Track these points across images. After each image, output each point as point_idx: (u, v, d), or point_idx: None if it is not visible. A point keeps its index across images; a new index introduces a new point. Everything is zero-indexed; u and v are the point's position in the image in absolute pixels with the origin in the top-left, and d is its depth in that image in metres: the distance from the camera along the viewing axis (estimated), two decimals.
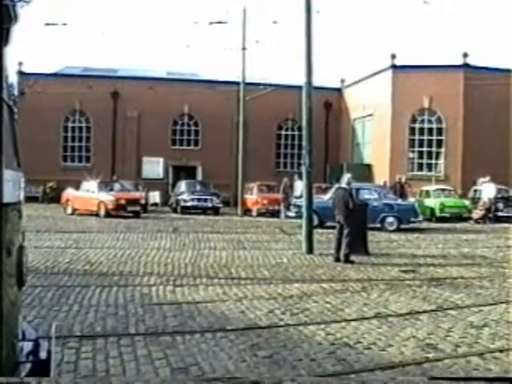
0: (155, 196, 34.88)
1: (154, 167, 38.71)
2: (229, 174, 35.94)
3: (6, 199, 3.09)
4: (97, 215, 25.67)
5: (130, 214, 26.03)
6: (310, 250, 14.82)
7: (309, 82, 15.36)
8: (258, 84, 33.61)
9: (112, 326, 7.22)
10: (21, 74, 35.98)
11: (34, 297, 8.61)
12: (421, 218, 22.20)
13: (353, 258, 13.44)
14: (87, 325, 7.21)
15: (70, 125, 39.10)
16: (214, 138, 38.06)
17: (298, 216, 22.49)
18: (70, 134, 39.13)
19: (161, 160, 38.82)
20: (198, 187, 31.98)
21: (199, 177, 38.44)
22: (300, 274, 11.67)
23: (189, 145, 39.92)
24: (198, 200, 29.60)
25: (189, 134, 39.99)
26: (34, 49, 68.20)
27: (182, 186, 31.81)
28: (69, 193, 28.15)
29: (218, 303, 8.69)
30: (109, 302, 8.60)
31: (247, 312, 8.18)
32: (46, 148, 36.32)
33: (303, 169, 15.51)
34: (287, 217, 24.69)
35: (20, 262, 3.44)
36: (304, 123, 15.68)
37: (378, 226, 21.11)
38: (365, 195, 21.45)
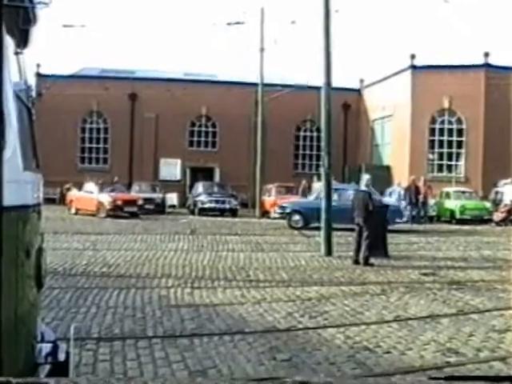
0: (173, 198, 34.98)
1: (171, 169, 38.86)
2: (247, 176, 35.93)
3: (26, 201, 3.11)
4: (95, 215, 26.33)
5: (127, 215, 26.49)
6: (329, 252, 14.78)
7: (327, 83, 15.33)
8: (276, 85, 33.56)
9: (130, 328, 7.25)
10: (39, 75, 36.27)
11: (52, 298, 8.67)
12: (405, 218, 22.13)
13: (372, 260, 13.37)
14: (105, 327, 7.24)
15: (87, 126, 39.41)
16: (231, 139, 38.10)
17: (282, 217, 22.75)
18: (87, 136, 39.42)
19: (178, 161, 38.96)
20: (216, 189, 32.02)
21: (217, 178, 38.49)
22: (319, 276, 11.64)
23: (206, 146, 40.02)
24: (216, 202, 29.67)
25: (206, 136, 40.09)
26: (52, 50, 68.84)
27: (200, 187, 31.87)
28: (72, 194, 29.23)
29: (236, 306, 8.70)
30: (126, 304, 8.64)
31: (266, 315, 8.18)
32: (63, 149, 36.57)
33: (322, 170, 15.48)
34: (272, 218, 24.92)
35: (39, 263, 3.46)
36: (323, 124, 15.65)
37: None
38: (348, 196, 21.73)
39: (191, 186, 35.70)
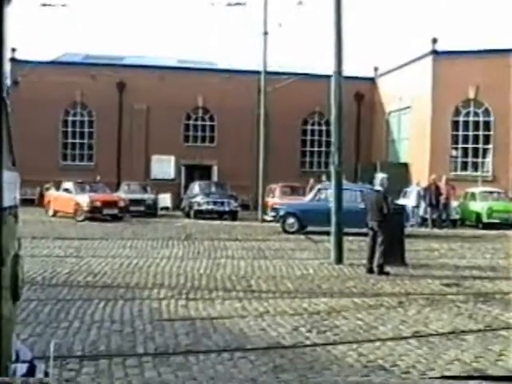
0: (166, 199, 35.01)
1: (164, 167, 38.89)
2: (248, 175, 35.88)
3: (0, 202, 3.09)
4: (73, 218, 26.50)
5: (108, 218, 26.59)
6: (340, 259, 14.79)
7: (338, 71, 15.32)
8: (282, 73, 33.62)
9: (117, 344, 7.25)
10: (14, 61, 36.21)
11: (30, 312, 8.67)
12: (413, 221, 22.21)
13: (388, 268, 13.36)
14: (89, 343, 7.24)
15: (70, 119, 39.40)
16: (231, 133, 38.10)
17: (276, 220, 22.89)
18: (70, 129, 39.40)
19: (172, 158, 38.98)
20: (214, 189, 32.01)
21: (215, 177, 38.50)
22: (328, 286, 11.64)
23: (203, 141, 40.03)
24: (214, 203, 29.66)
25: (203, 130, 40.11)
26: (30, 33, 68.84)
27: (196, 187, 31.87)
28: (50, 194, 29.52)
29: (236, 319, 8.70)
30: (114, 317, 8.64)
31: (269, 329, 8.17)
32: (42, 145, 36.56)
33: (332, 168, 15.47)
34: (264, 221, 25.18)
35: (15, 272, 3.44)
36: (333, 117, 15.64)
37: (364, 230, 21.19)
38: (347, 196, 21.77)
39: (186, 186, 35.70)
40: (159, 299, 9.99)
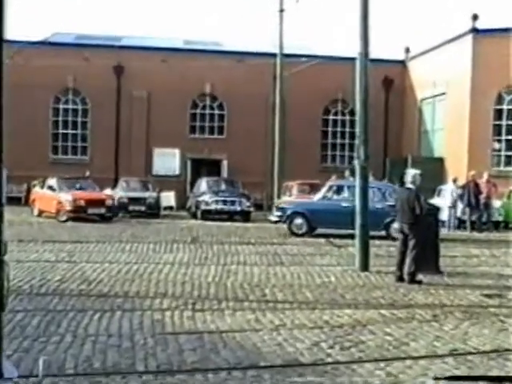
0: (169, 197, 35.10)
1: (167, 161, 38.98)
2: (262, 170, 35.93)
3: None
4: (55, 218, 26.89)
5: (96, 218, 26.92)
6: (365, 266, 14.75)
7: (364, 53, 15.27)
8: (300, 56, 33.60)
9: (114, 361, 7.25)
10: None
11: (15, 324, 8.70)
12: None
13: (420, 277, 13.32)
14: (83, 360, 7.25)
15: (61, 106, 39.55)
16: (243, 124, 38.11)
17: (282, 221, 22.93)
18: (61, 119, 39.55)
19: (176, 152, 39.07)
20: (224, 186, 32.07)
21: (225, 173, 38.57)
22: (352, 296, 11.62)
23: (212, 133, 40.09)
24: (224, 202, 29.70)
25: (211, 120, 40.16)
26: (16, 10, 69.17)
27: (203, 184, 31.94)
28: (35, 191, 29.92)
29: (248, 333, 8.69)
30: (110, 330, 8.65)
31: (285, 345, 8.16)
32: (30, 136, 36.67)
33: (356, 163, 15.42)
34: (269, 221, 25.45)
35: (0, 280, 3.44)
36: (357, 105, 15.59)
37: (383, 233, 21.48)
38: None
39: (193, 183, 35.79)
40: (162, 310, 9.99)
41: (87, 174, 32.48)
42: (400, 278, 13.34)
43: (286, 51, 31.03)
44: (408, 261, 13.29)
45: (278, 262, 15.88)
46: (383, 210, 21.35)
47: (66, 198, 27.05)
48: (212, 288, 12.05)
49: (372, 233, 20.20)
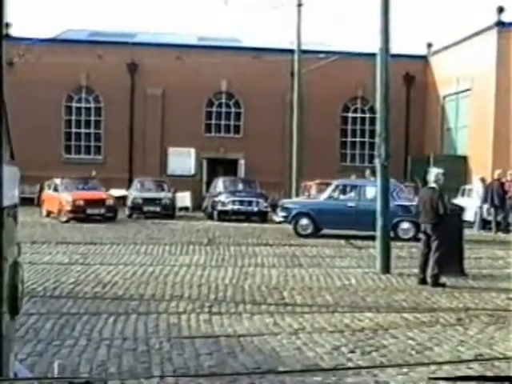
0: (185, 198, 35.17)
1: (183, 160, 39.05)
2: (279, 170, 35.93)
3: None
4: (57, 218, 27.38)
5: (97, 218, 27.25)
6: (387, 268, 14.73)
7: (385, 49, 15.23)
8: (318, 52, 33.52)
9: (130, 365, 7.28)
10: (9, 38, 36.57)
11: (29, 327, 8.75)
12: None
13: (444, 279, 13.27)
14: (98, 364, 7.28)
15: (74, 105, 39.73)
16: (260, 122, 38.11)
17: (288, 221, 22.94)
18: (74, 118, 39.74)
19: (192, 151, 39.13)
20: (240, 186, 32.10)
21: (241, 173, 38.58)
22: (373, 299, 11.60)
23: (228, 132, 40.12)
24: (241, 203, 29.70)
25: (228, 118, 40.19)
26: (27, 5, 69.49)
27: (220, 184, 31.98)
28: (45, 192, 30.54)
29: (266, 337, 8.70)
30: (125, 334, 8.69)
31: (305, 349, 8.16)
32: (43, 136, 36.92)
33: (377, 162, 15.39)
34: (274, 221, 25.61)
35: (14, 282, 3.46)
36: (378, 102, 15.56)
37: (390, 234, 21.40)
38: (370, 194, 21.86)
39: (209, 183, 35.83)
40: (178, 313, 10.01)
41: (93, 174, 32.62)
42: (423, 281, 13.29)
43: (304, 47, 30.97)
44: (431, 263, 13.24)
45: (297, 264, 15.88)
46: (391, 210, 21.36)
47: (66, 198, 27.48)
48: (229, 290, 12.06)
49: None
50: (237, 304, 10.85)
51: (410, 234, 21.64)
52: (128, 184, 34.34)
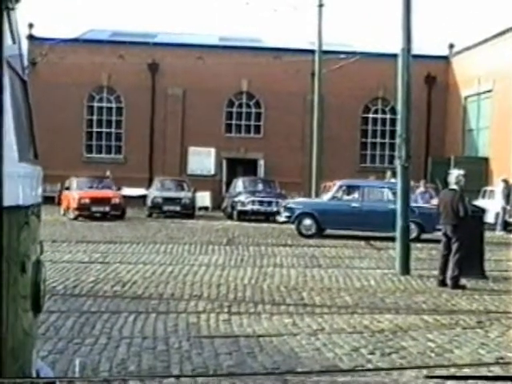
0: (205, 197, 35.25)
1: (203, 160, 39.14)
2: (299, 170, 35.93)
3: (22, 200, 3.12)
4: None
5: (98, 215, 27.98)
6: (406, 269, 14.68)
7: (406, 49, 15.18)
8: (339, 52, 33.47)
9: (149, 364, 7.30)
10: (32, 38, 36.84)
11: (50, 325, 8.80)
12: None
13: (464, 281, 13.19)
14: (117, 363, 7.31)
15: (95, 105, 39.93)
16: (280, 122, 38.13)
17: (291, 221, 22.94)
18: (95, 117, 39.94)
19: (212, 151, 39.21)
20: (260, 186, 32.17)
21: (261, 173, 38.62)
22: (393, 301, 11.56)
23: (248, 132, 40.15)
24: (260, 203, 29.73)
25: (248, 118, 40.22)
26: (49, 6, 69.88)
27: (240, 184, 32.06)
28: (64, 191, 31.04)
29: (285, 337, 8.69)
30: (145, 333, 8.71)
31: (324, 350, 8.15)
32: (64, 135, 37.20)
33: (397, 163, 15.34)
34: (277, 222, 25.63)
35: (37, 280, 3.47)
36: (399, 103, 15.51)
37: (392, 234, 21.43)
38: (374, 195, 21.85)
39: (228, 183, 35.91)
40: (197, 313, 10.03)
41: (108, 173, 32.78)
42: (443, 283, 13.23)
43: (324, 47, 30.91)
44: (451, 264, 13.17)
45: (316, 265, 15.86)
46: (394, 211, 21.41)
47: (74, 196, 28.09)
48: (248, 291, 12.06)
49: (384, 235, 20.55)
50: (256, 304, 10.84)
51: (414, 235, 21.48)
52: (148, 183, 34.49)
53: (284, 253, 17.97)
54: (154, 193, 31.22)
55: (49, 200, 31.33)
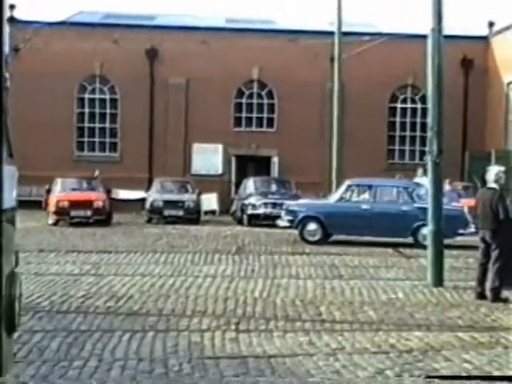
0: (211, 200, 35.22)
1: (209, 158, 39.16)
2: (318, 169, 35.90)
3: None
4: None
5: (79, 220, 28.03)
6: (439, 280, 14.62)
7: (438, 29, 15.13)
8: (362, 34, 33.40)
9: None
10: (14, 21, 36.80)
11: (33, 347, 8.81)
12: (473, 228, 22.08)
13: (506, 294, 13.12)
14: None
15: (86, 96, 39.97)
16: (296, 114, 38.08)
17: (293, 226, 22.91)
18: (87, 111, 39.98)
19: (219, 148, 39.23)
20: (274, 187, 32.17)
21: (275, 172, 38.63)
22: (424, 316, 11.53)
23: (260, 125, 40.13)
24: (273, 206, 29.66)
25: (260, 110, 40.20)
26: None
27: (251, 185, 32.08)
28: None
29: (300, 358, 8.68)
30: (141, 354, 8.70)
31: (344, 372, 8.13)
32: (52, 131, 37.18)
33: (428, 159, 15.29)
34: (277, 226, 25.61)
35: (10, 296, 3.46)
36: (429, 91, 15.45)
37: (410, 240, 21.65)
38: (387, 195, 22.15)
39: (238, 184, 35.91)
40: (201, 331, 10.04)
41: (96, 173, 32.77)
42: (481, 295, 13.17)
43: (345, 29, 30.85)
44: (491, 275, 13.10)
45: (336, 275, 15.85)
46: (411, 213, 21.50)
47: (52, 199, 28.16)
48: (259, 305, 12.05)
49: (397, 240, 20.88)
50: (267, 320, 10.84)
51: None
52: (147, 185, 34.53)
53: (300, 262, 17.96)
54: (153, 195, 31.23)
55: (35, 205, 31.49)
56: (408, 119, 40.52)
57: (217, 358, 8.60)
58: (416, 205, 21.63)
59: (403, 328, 10.56)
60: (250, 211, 29.82)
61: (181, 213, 30.58)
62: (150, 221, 30.60)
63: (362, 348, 9.28)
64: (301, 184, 32.77)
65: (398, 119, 40.58)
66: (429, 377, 6.81)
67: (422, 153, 34.84)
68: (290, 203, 25.22)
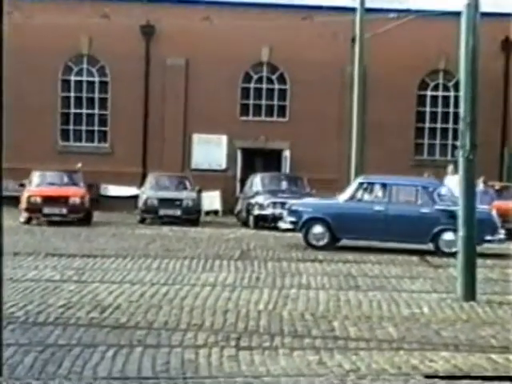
0: (213, 198, 35.28)
1: (211, 151, 39.16)
2: (335, 164, 35.88)
3: None
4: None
5: (53, 219, 28.19)
6: (471, 293, 14.58)
7: (474, 4, 15.07)
8: (387, 10, 33.30)
9: None
10: None
11: (3, 362, 8.77)
12: (502, 234, 22.06)
13: None
14: None
15: (73, 78, 39.92)
16: (311, 102, 38.05)
17: (297, 229, 22.90)
18: (73, 94, 39.94)
19: (223, 139, 39.22)
20: (284, 185, 32.20)
21: (286, 167, 38.62)
22: (451, 334, 11.51)
23: (270, 114, 40.10)
24: (283, 206, 29.65)
25: (270, 97, 40.15)
26: None
27: (258, 182, 32.12)
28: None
29: (309, 379, 8.67)
30: (127, 372, 8.69)
31: None
32: (33, 118, 37.19)
33: (460, 155, 15.24)
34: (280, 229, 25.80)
35: None
36: (462, 76, 15.39)
37: (429, 247, 21.88)
38: (403, 195, 22.38)
39: (243, 180, 35.91)
40: (196, 347, 10.03)
41: (78, 166, 32.68)
42: None
43: (368, 4, 30.82)
44: None
45: (353, 286, 15.87)
46: (431, 216, 21.62)
47: (24, 194, 28.34)
48: (263, 319, 12.05)
49: (416, 246, 21.20)
50: (272, 336, 10.83)
51: (456, 248, 21.46)
52: (141, 180, 34.54)
53: (312, 270, 17.98)
54: (147, 192, 31.26)
55: (12, 201, 31.50)
56: (439, 109, 40.42)
57: (214, 377, 8.61)
58: (437, 207, 21.63)
59: (427, 347, 10.53)
60: (256, 212, 29.85)
61: (178, 212, 30.61)
62: (143, 221, 30.63)
63: (379, 369, 9.24)
64: (315, 181, 32.74)
65: (427, 109, 40.46)
66: (429, 377, 6.79)
67: (455, 148, 34.83)
68: (294, 202, 25.20)
